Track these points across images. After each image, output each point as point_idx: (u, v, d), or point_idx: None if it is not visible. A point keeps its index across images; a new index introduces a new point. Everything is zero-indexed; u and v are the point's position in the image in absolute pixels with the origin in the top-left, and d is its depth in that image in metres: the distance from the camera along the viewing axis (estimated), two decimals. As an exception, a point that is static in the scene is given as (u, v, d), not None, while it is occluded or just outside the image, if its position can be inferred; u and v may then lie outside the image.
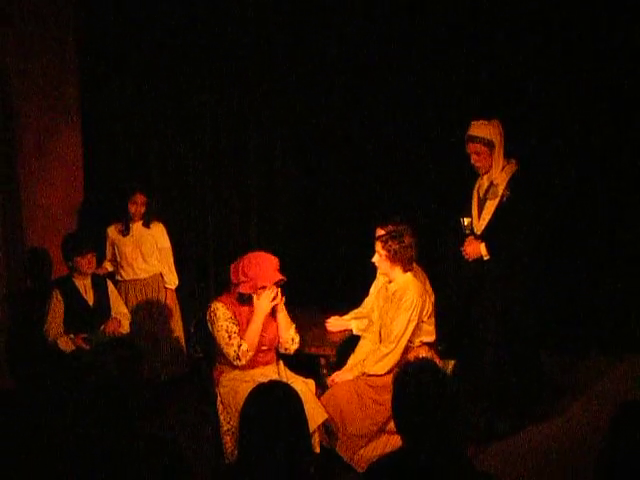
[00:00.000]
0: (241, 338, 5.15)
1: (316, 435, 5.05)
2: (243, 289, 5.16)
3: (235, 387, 5.15)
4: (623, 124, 6.77)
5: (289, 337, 5.40)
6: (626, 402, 2.69)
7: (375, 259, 5.50)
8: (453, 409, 3.01)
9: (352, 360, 5.60)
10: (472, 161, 5.68)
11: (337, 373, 5.52)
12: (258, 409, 3.08)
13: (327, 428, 5.28)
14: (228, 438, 5.14)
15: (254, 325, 5.16)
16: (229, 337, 5.12)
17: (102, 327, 6.00)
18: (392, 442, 5.12)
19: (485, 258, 5.68)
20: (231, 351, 5.12)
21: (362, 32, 7.23)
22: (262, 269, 5.13)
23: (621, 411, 2.67)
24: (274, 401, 3.09)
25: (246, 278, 5.14)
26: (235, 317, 5.20)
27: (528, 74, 6.81)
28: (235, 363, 5.15)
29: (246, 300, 5.23)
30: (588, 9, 6.62)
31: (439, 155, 7.08)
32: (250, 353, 5.15)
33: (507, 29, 6.79)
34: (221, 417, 5.20)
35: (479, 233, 5.75)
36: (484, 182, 5.76)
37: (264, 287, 5.15)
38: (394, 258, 5.35)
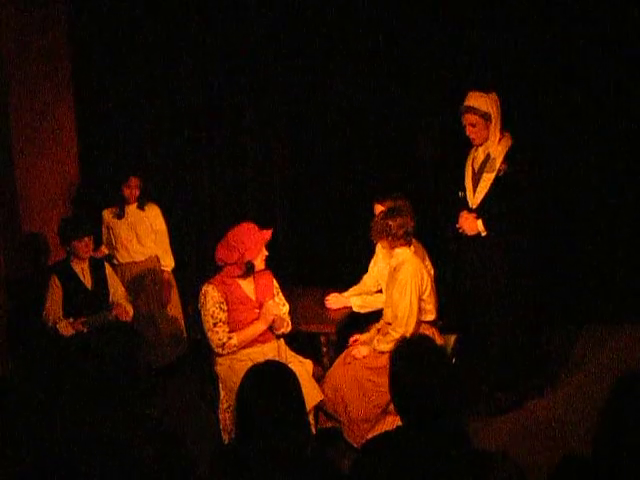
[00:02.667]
0: (229, 323, 5.17)
1: (311, 417, 5.03)
2: (231, 259, 5.17)
3: (232, 365, 5.18)
4: (624, 100, 6.70)
5: (283, 320, 5.38)
6: (625, 375, 2.66)
7: (374, 236, 5.48)
8: (452, 386, 2.97)
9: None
10: (467, 132, 5.63)
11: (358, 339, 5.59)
12: (254, 389, 3.06)
13: (325, 412, 5.29)
14: (227, 415, 5.17)
15: (254, 329, 5.22)
16: (214, 324, 5.16)
17: (108, 312, 5.98)
18: (398, 423, 5.08)
19: (483, 234, 5.63)
20: (215, 338, 5.16)
21: (358, 19, 7.16)
22: (248, 238, 5.16)
23: (621, 384, 2.65)
24: (269, 380, 3.07)
25: (237, 252, 5.15)
26: (226, 298, 5.20)
27: (526, 46, 6.73)
28: (217, 351, 5.20)
29: (250, 271, 5.23)
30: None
31: (437, 128, 7.04)
32: (236, 349, 5.19)
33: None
34: (222, 394, 5.22)
35: (474, 207, 5.69)
36: (479, 155, 5.69)
37: (253, 259, 5.17)
38: (390, 235, 5.32)
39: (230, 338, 5.16)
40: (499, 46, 6.72)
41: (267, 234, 5.24)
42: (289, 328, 5.41)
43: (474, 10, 6.77)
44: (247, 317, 5.24)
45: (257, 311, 5.27)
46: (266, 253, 5.25)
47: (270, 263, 5.38)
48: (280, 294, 5.46)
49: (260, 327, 5.23)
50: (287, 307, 5.46)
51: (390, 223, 5.29)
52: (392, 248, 5.39)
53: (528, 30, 6.68)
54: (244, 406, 3.06)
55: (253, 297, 5.31)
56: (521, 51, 6.70)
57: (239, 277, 5.24)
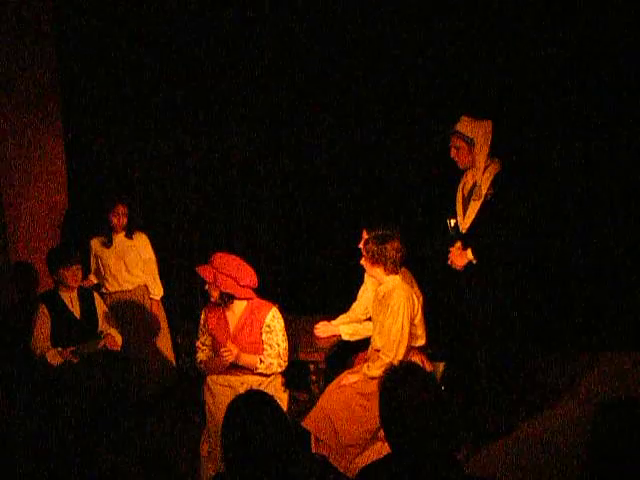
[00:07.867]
0: (212, 346, 5.33)
1: None
2: (236, 292, 5.20)
3: (211, 387, 5.27)
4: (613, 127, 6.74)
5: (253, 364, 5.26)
6: (611, 401, 2.68)
7: (362, 261, 5.51)
8: (441, 413, 2.97)
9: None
10: (451, 154, 5.70)
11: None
12: (241, 419, 3.05)
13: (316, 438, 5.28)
14: (203, 438, 5.22)
15: (214, 364, 5.27)
16: (197, 345, 5.42)
17: (97, 341, 5.95)
18: (387, 449, 5.04)
19: (473, 262, 5.64)
20: (197, 354, 5.43)
21: (350, 35, 7.22)
22: (247, 270, 5.25)
23: (607, 410, 2.66)
24: (256, 410, 3.05)
25: (233, 280, 5.17)
26: (208, 322, 5.33)
27: (518, 75, 6.80)
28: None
29: (228, 300, 5.25)
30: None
31: (425, 157, 7.08)
32: (204, 370, 5.37)
33: (498, 28, 6.80)
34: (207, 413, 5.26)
35: (464, 232, 5.72)
36: (469, 180, 5.74)
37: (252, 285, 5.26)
38: (373, 260, 5.36)
39: (201, 361, 5.37)
40: (493, 73, 6.78)
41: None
42: (272, 370, 5.23)
43: (467, 38, 6.83)
44: (221, 345, 5.25)
45: (229, 343, 5.22)
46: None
47: (261, 291, 5.37)
48: (275, 333, 5.23)
49: (216, 368, 5.28)
50: (277, 349, 5.23)
51: (370, 248, 5.33)
52: (375, 273, 5.41)
53: (522, 57, 6.75)
54: (232, 436, 3.05)
55: (231, 328, 5.27)
56: (514, 78, 6.77)
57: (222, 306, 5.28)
